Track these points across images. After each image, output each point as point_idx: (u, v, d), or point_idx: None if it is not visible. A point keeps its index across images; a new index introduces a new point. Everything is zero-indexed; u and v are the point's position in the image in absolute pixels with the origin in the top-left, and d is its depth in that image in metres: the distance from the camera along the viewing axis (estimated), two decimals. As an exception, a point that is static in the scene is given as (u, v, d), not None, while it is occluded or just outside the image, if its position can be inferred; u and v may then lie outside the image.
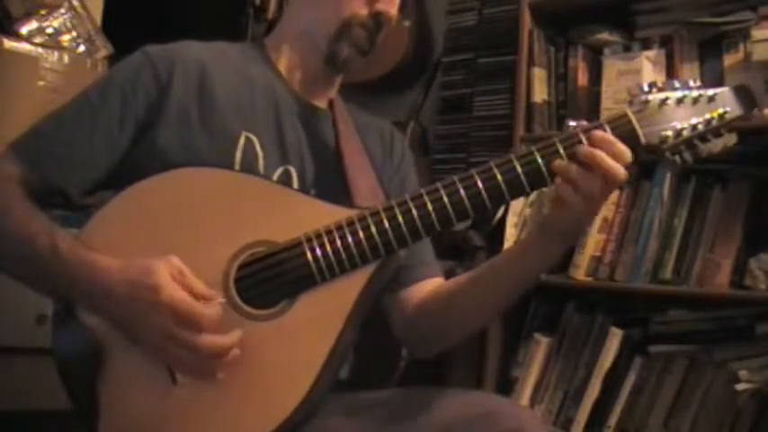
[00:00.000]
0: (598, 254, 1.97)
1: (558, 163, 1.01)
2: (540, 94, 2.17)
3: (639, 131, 1.02)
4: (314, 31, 1.26)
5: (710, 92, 1.03)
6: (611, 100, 2.03)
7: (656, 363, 1.86)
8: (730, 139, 1.04)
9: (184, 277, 1.00)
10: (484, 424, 1.03)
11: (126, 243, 1.05)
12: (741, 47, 1.88)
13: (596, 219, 1.96)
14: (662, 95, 1.03)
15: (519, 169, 1.02)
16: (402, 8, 1.29)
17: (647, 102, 1.03)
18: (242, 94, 1.22)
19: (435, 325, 1.24)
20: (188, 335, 0.98)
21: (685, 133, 1.02)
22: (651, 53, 2.01)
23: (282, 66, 1.29)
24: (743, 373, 1.72)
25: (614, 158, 0.99)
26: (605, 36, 2.11)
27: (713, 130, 1.03)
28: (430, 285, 1.28)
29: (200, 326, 0.98)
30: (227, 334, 1.01)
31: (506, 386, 2.07)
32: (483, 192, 1.03)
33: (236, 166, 1.17)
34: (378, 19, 1.24)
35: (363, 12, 1.23)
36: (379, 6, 1.24)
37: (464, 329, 1.25)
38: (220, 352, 1.00)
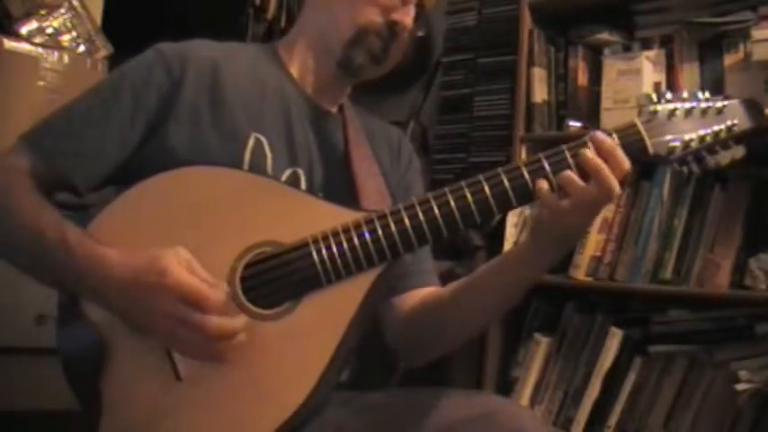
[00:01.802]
0: (598, 254, 1.97)
1: (562, 173, 1.01)
2: (540, 94, 2.17)
3: (648, 142, 1.03)
4: (328, 37, 1.26)
5: (719, 104, 1.04)
6: (611, 100, 2.03)
7: (656, 363, 1.86)
8: (738, 152, 1.04)
9: (191, 266, 1.01)
10: (484, 424, 1.03)
11: (133, 240, 1.05)
12: (741, 47, 1.88)
13: (596, 219, 1.96)
14: (671, 106, 1.04)
15: (527, 176, 1.03)
16: (416, 19, 1.29)
17: (655, 112, 1.03)
18: (253, 95, 1.22)
19: (426, 333, 1.24)
20: (195, 315, 0.98)
21: (693, 145, 1.03)
22: (651, 53, 2.01)
23: (295, 69, 1.29)
24: (743, 373, 1.72)
25: (613, 169, 1.00)
26: (605, 36, 2.11)
27: (721, 142, 1.03)
28: (423, 294, 1.27)
29: (207, 306, 0.98)
30: (234, 317, 1.01)
31: (506, 386, 2.07)
32: (490, 198, 1.03)
33: (245, 167, 1.17)
34: (393, 28, 1.24)
35: (379, 20, 1.23)
36: (395, 16, 1.24)
37: (454, 339, 1.24)
38: (227, 333, 1.00)
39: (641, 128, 1.03)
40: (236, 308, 1.04)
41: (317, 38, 1.28)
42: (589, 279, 1.97)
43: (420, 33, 1.35)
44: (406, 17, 1.26)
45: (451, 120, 2.45)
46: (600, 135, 1.02)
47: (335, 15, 1.25)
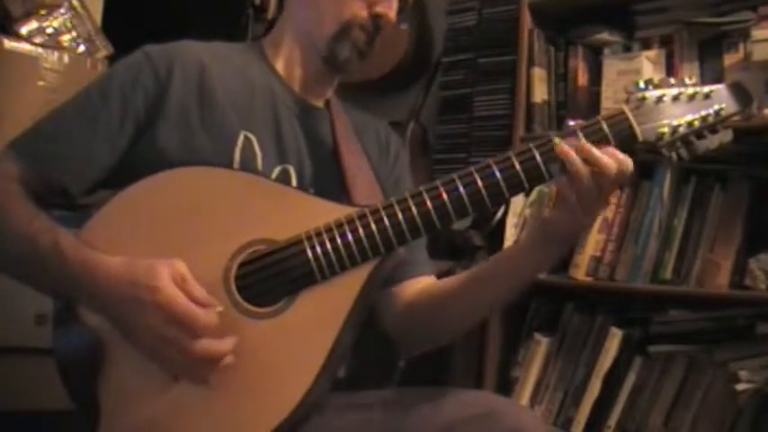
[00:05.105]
0: (598, 254, 1.97)
1: (564, 149, 1.01)
2: (540, 94, 2.17)
3: (636, 128, 1.03)
4: (313, 32, 1.26)
5: (706, 89, 1.04)
6: (611, 100, 2.04)
7: (656, 363, 1.86)
8: (726, 136, 1.05)
9: (186, 282, 1.00)
10: (484, 424, 1.03)
11: (126, 242, 1.06)
12: (741, 47, 1.88)
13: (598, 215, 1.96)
14: (658, 92, 1.04)
15: (517, 166, 1.03)
16: (400, 12, 1.29)
17: (643, 99, 1.04)
18: (241, 94, 1.22)
19: (424, 324, 1.24)
20: (181, 337, 0.98)
21: (681, 130, 1.03)
22: (651, 53, 2.01)
23: (281, 65, 1.30)
24: (743, 373, 1.72)
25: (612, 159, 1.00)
26: (605, 36, 2.11)
27: (709, 126, 1.03)
28: (421, 284, 1.28)
29: (195, 329, 0.98)
30: (222, 339, 1.00)
31: (506, 386, 2.07)
32: (482, 189, 1.03)
33: (235, 165, 1.17)
34: (377, 21, 1.24)
35: (363, 14, 1.23)
36: (379, 9, 1.24)
37: (454, 330, 1.25)
38: (213, 357, 1.00)
39: (630, 114, 1.03)
40: (232, 317, 1.03)
41: (301, 34, 1.28)
42: (589, 279, 1.97)
43: (403, 26, 1.35)
44: (390, 9, 1.26)
45: (451, 120, 2.45)
46: (586, 124, 1.03)
47: (319, 10, 1.26)
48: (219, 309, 1.01)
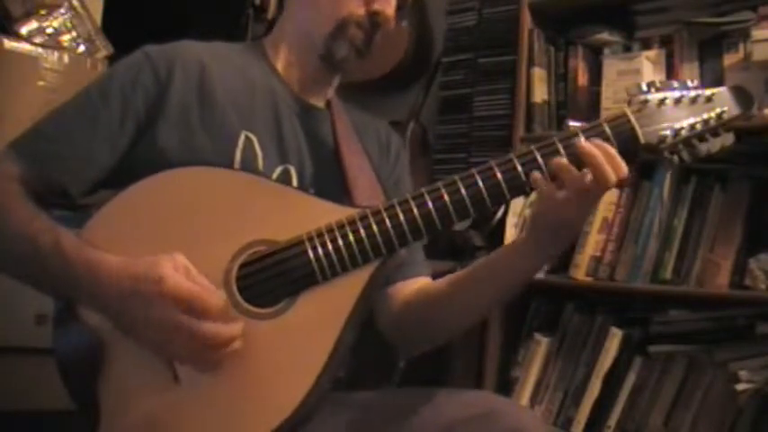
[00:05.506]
0: (598, 254, 1.97)
1: (557, 160, 1.01)
2: (540, 94, 2.17)
3: (639, 131, 1.03)
4: (311, 31, 1.27)
5: (708, 92, 1.04)
6: (611, 100, 2.04)
7: (656, 363, 1.86)
8: (728, 139, 1.05)
9: (189, 273, 1.00)
10: (484, 424, 1.03)
11: (127, 242, 1.05)
12: (741, 47, 1.88)
13: (596, 219, 1.96)
14: (660, 95, 1.04)
15: (519, 168, 1.03)
16: (399, 9, 1.29)
17: (645, 101, 1.04)
18: (241, 94, 1.22)
19: (421, 323, 1.24)
20: (191, 322, 0.98)
21: (683, 133, 1.03)
22: (651, 53, 2.02)
23: (280, 65, 1.30)
24: (743, 373, 1.72)
25: (609, 163, 1.00)
26: (605, 36, 2.11)
27: (711, 129, 1.04)
28: (418, 284, 1.28)
29: (204, 312, 0.98)
30: (229, 324, 1.00)
31: (506, 386, 2.07)
32: (483, 190, 1.03)
33: (236, 165, 1.17)
34: (374, 19, 1.24)
35: (360, 11, 1.24)
36: (376, 6, 1.24)
37: (451, 329, 1.25)
38: (222, 341, 1.00)
39: (632, 117, 1.03)
40: (234, 313, 1.03)
41: (300, 33, 1.29)
42: (589, 279, 1.97)
43: (403, 23, 1.35)
44: (388, 7, 1.26)
45: (451, 120, 2.45)
46: (588, 127, 1.03)
47: (317, 10, 1.26)
48: (223, 296, 1.01)
